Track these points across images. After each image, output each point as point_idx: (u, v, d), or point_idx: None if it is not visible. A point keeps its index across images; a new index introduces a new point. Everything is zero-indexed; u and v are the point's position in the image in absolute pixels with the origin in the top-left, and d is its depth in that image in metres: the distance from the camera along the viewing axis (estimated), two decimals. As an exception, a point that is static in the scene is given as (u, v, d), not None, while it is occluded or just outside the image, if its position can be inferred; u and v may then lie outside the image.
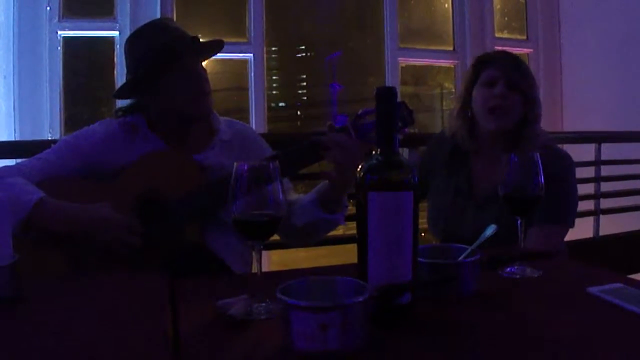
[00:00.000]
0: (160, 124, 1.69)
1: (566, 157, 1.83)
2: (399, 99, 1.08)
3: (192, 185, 1.56)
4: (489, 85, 1.79)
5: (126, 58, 1.70)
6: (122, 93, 1.72)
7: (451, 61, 4.43)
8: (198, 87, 1.65)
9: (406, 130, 1.52)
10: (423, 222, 2.16)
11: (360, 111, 1.50)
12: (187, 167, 1.62)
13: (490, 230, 1.22)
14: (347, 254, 2.38)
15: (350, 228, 3.12)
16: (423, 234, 1.93)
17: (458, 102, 1.90)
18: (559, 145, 1.98)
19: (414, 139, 2.83)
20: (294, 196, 1.70)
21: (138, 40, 1.67)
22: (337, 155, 1.47)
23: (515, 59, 1.84)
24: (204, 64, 1.72)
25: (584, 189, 3.29)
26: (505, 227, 1.27)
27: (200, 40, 1.70)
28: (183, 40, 1.66)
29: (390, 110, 0.96)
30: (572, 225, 1.81)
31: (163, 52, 1.60)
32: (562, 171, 1.75)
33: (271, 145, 1.83)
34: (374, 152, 0.97)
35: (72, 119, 3.58)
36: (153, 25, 1.70)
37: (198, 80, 1.65)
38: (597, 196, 3.34)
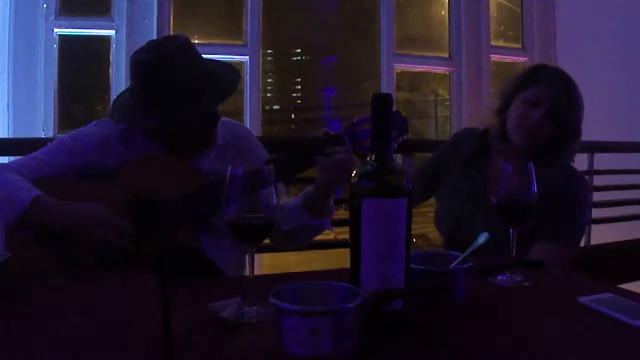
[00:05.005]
0: (161, 137, 1.67)
1: (583, 180, 1.84)
2: (394, 108, 1.08)
3: (187, 189, 1.56)
4: (530, 103, 1.71)
5: (132, 78, 1.59)
6: (135, 123, 1.63)
7: (446, 68, 4.44)
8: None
9: (400, 139, 1.52)
10: (417, 228, 2.15)
11: (355, 119, 1.50)
12: (182, 171, 1.62)
13: (483, 238, 1.22)
14: (339, 258, 2.39)
15: (342, 232, 3.12)
16: (415, 240, 1.92)
17: (499, 100, 1.81)
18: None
19: (408, 146, 2.84)
20: (282, 200, 1.70)
21: (151, 75, 1.54)
22: (332, 168, 1.48)
23: (566, 86, 1.74)
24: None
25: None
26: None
27: (221, 79, 1.62)
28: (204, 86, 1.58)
29: (386, 117, 0.97)
30: (577, 247, 1.79)
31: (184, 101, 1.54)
32: (578, 193, 1.75)
33: (265, 148, 1.82)
34: (368, 159, 0.97)
35: (67, 117, 3.57)
36: (163, 60, 1.53)
37: (212, 119, 1.65)
38: (588, 205, 3.36)
